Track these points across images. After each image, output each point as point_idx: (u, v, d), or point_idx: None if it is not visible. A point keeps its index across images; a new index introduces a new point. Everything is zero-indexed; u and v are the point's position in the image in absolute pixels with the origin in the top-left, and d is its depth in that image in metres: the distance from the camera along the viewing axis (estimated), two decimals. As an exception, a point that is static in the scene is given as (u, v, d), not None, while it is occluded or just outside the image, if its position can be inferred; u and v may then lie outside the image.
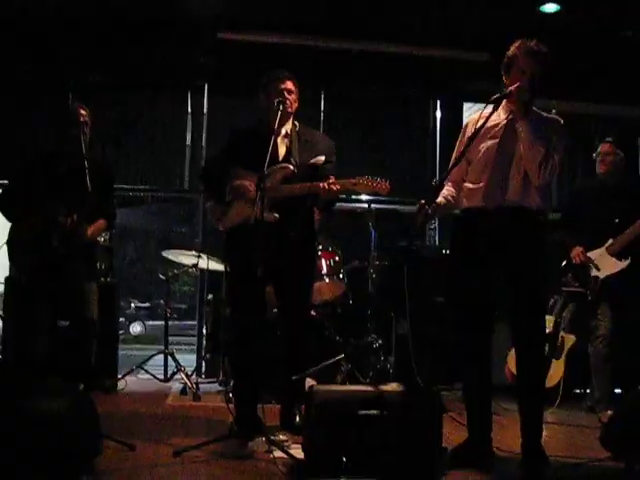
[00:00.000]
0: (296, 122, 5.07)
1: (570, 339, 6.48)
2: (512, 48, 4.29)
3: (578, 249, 6.08)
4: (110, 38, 8.02)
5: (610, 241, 5.99)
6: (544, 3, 7.56)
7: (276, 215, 4.73)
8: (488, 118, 4.25)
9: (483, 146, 4.33)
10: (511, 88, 4.18)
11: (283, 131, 4.96)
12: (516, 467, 4.14)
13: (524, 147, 4.19)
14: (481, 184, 4.31)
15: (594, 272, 6.02)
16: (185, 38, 8.20)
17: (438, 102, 9.52)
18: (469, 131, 4.42)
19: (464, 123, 4.65)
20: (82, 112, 5.60)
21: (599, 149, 6.27)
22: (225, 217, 4.94)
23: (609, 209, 6.07)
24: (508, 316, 4.38)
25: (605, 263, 6.00)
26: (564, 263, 6.26)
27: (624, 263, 5.95)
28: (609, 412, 5.61)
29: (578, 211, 6.21)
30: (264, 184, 4.38)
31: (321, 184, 4.69)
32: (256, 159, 4.49)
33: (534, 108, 4.35)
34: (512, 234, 4.24)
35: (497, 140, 4.29)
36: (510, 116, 4.27)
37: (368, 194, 4.90)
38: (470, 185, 4.39)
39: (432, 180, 4.60)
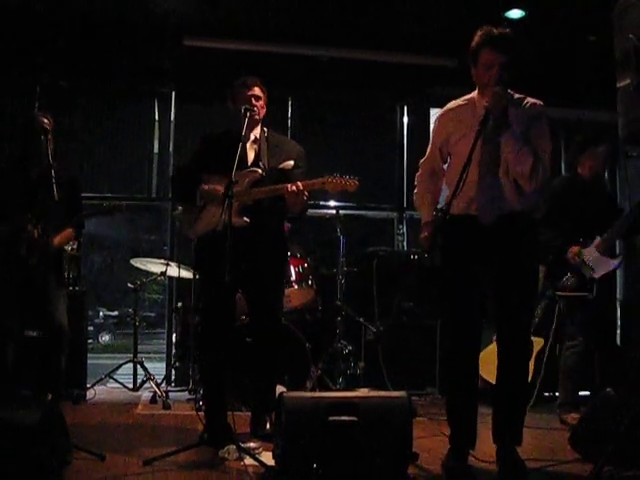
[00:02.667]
0: (265, 128, 5.08)
1: (538, 342, 6.51)
2: (475, 38, 4.19)
3: (575, 249, 5.84)
4: (76, 44, 7.97)
5: (598, 239, 5.82)
6: (509, 9, 7.63)
7: (247, 220, 4.73)
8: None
9: (464, 145, 4.10)
10: (486, 105, 4.01)
11: (252, 136, 4.98)
12: (494, 476, 4.09)
13: (510, 161, 4.07)
14: (471, 194, 4.12)
15: (589, 273, 5.82)
16: (151, 45, 8.16)
17: (405, 108, 9.56)
18: (448, 121, 4.35)
19: (437, 115, 4.49)
20: (45, 120, 5.56)
21: (602, 149, 6.03)
22: (196, 224, 4.93)
23: (591, 206, 5.91)
24: (492, 318, 4.32)
25: (598, 263, 5.81)
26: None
27: (616, 261, 5.85)
28: (573, 415, 5.64)
29: (560, 210, 5.94)
30: (232, 190, 4.38)
31: (288, 185, 4.69)
32: (226, 165, 4.49)
33: (509, 92, 4.21)
34: (507, 238, 4.13)
35: (479, 142, 4.02)
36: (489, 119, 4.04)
37: (337, 194, 4.88)
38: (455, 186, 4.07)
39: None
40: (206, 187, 4.82)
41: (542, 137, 4.19)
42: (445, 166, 4.45)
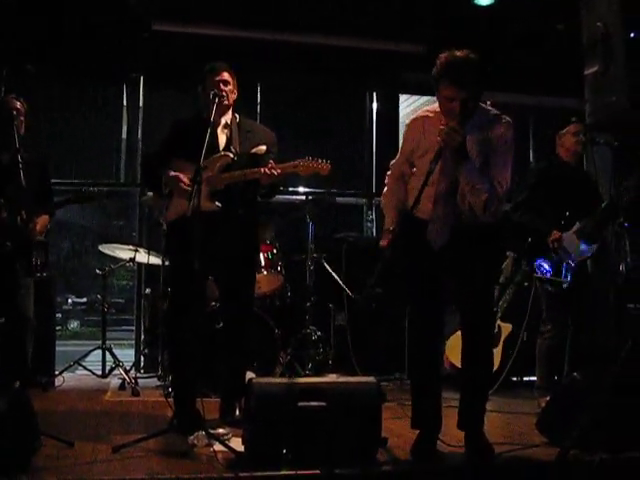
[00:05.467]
0: (236, 114, 5.08)
1: (507, 328, 6.56)
2: (437, 63, 4.10)
3: (557, 234, 5.80)
4: (44, 28, 7.90)
5: (577, 225, 5.82)
6: (478, -5, 7.64)
7: (218, 204, 4.73)
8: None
9: (427, 161, 4.11)
10: (440, 143, 3.99)
11: (223, 121, 4.98)
12: (461, 459, 4.15)
13: (467, 192, 4.08)
14: (429, 207, 4.16)
15: (567, 259, 5.81)
16: (120, 29, 8.11)
17: (374, 94, 9.57)
18: (415, 131, 4.36)
19: (405, 118, 4.58)
20: (18, 104, 5.51)
21: (569, 129, 5.97)
22: (167, 211, 4.92)
23: (572, 192, 5.90)
24: (454, 304, 4.37)
25: (576, 249, 5.81)
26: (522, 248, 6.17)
27: (593, 247, 5.84)
28: (547, 398, 5.69)
29: (541, 193, 5.94)
30: (201, 176, 4.37)
31: (262, 169, 4.70)
32: (196, 150, 4.48)
33: (484, 107, 4.25)
34: (461, 248, 4.15)
35: (438, 169, 4.05)
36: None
37: (308, 177, 4.90)
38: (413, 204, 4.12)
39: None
40: (171, 174, 4.81)
41: (502, 168, 4.16)
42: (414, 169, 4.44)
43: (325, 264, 7.14)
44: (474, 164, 4.09)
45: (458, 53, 4.08)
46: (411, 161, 4.40)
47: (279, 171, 4.74)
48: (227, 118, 5.01)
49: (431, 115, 4.34)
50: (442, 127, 4.04)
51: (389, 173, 4.59)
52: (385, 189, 4.62)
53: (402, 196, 4.50)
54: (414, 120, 4.43)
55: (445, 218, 4.17)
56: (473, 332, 4.29)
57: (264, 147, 4.94)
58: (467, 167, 4.05)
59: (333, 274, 7.15)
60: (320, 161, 4.82)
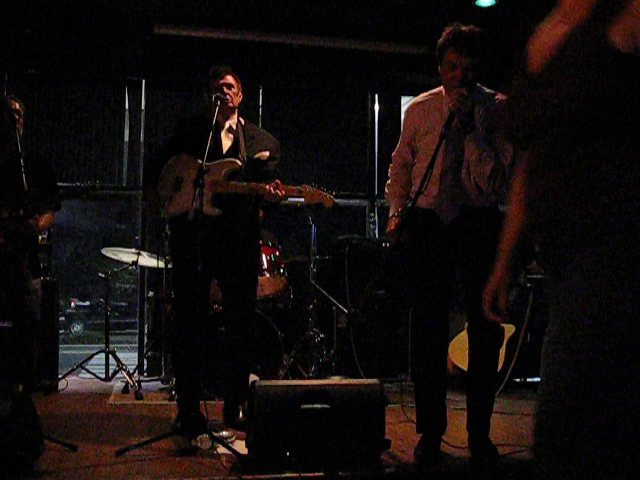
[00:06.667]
0: (242, 118, 5.08)
1: (510, 329, 6.55)
2: (442, 35, 4.16)
3: None
4: (46, 31, 7.91)
5: None
6: (480, -4, 7.64)
7: (220, 211, 4.72)
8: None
9: (429, 140, 4.18)
10: (450, 107, 4.02)
11: (227, 125, 4.97)
12: (466, 463, 4.15)
13: (472, 162, 4.09)
14: (434, 192, 4.16)
15: None
16: (122, 33, 8.12)
17: (376, 96, 9.57)
18: (415, 115, 4.38)
19: (406, 109, 4.57)
20: (16, 105, 5.51)
21: None
22: (169, 205, 4.90)
23: None
24: (461, 307, 4.36)
25: None
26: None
27: None
28: None
29: None
30: (203, 179, 4.37)
31: (267, 186, 4.69)
32: (199, 152, 4.50)
33: (479, 86, 4.25)
34: (470, 233, 4.17)
35: (443, 139, 4.03)
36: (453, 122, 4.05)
37: (310, 204, 4.91)
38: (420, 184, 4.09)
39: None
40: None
41: (506, 141, 4.12)
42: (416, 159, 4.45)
43: (318, 287, 7.14)
44: (481, 134, 4.10)
45: (463, 26, 4.13)
46: (413, 146, 4.40)
47: (283, 193, 4.74)
48: (232, 122, 5.01)
49: (430, 97, 4.37)
50: (455, 93, 4.05)
51: (392, 165, 4.60)
52: (389, 180, 4.62)
53: (406, 184, 4.51)
54: (413, 105, 4.46)
55: (453, 193, 4.17)
56: (481, 332, 4.26)
57: (267, 153, 4.95)
58: (474, 136, 4.07)
59: (326, 294, 7.15)
60: (325, 192, 4.83)
